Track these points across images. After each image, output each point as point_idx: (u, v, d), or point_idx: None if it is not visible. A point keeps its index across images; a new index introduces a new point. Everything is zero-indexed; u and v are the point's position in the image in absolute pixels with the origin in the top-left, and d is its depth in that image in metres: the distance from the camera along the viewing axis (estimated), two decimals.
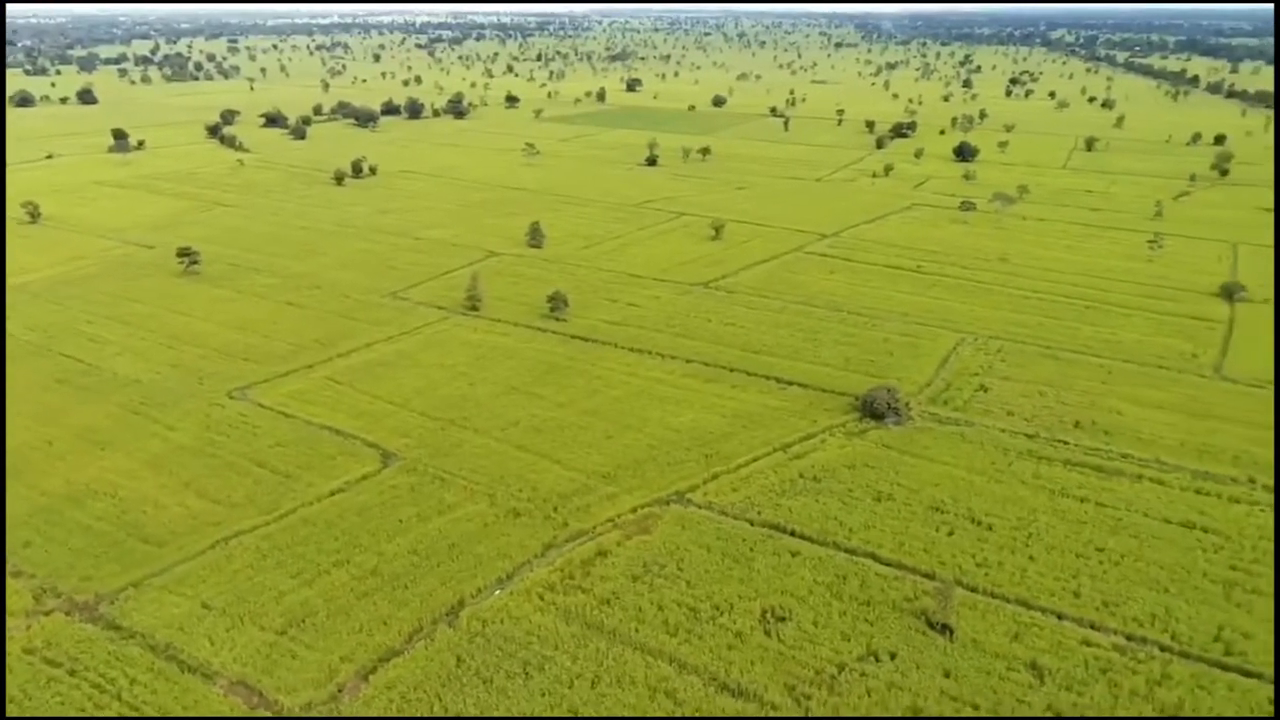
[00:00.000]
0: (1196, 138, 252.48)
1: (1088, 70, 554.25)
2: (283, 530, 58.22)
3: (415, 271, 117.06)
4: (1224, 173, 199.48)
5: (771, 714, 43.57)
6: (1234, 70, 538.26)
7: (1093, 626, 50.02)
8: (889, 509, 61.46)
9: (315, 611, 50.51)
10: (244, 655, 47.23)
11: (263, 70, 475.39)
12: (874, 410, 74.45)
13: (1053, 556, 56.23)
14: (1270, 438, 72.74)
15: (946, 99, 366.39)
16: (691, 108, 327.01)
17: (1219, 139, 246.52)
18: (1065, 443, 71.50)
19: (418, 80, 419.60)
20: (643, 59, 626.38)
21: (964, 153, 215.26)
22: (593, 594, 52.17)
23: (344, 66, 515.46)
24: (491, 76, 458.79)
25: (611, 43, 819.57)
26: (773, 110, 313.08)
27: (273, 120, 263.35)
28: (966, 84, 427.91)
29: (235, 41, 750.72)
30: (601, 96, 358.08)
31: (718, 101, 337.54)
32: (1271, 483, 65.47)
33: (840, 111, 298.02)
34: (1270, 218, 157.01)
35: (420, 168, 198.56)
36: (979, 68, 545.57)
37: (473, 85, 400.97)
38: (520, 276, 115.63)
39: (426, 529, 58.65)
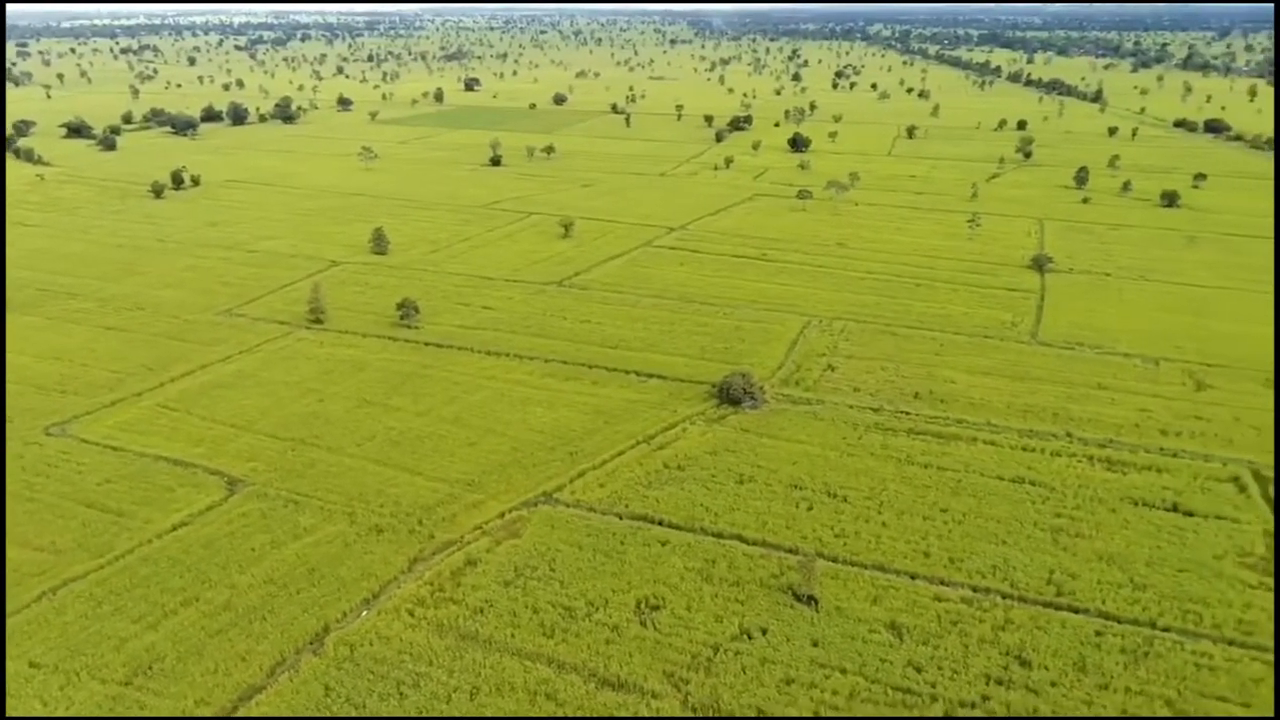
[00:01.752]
0: (1002, 123, 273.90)
1: (904, 63, 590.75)
2: (119, 573, 53.77)
3: (250, 286, 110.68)
4: (1028, 155, 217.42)
5: (651, 702, 44.09)
6: (1030, 61, 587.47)
7: (942, 583, 53.46)
8: (751, 490, 63.41)
9: (162, 656, 46.97)
10: (84, 713, 43.31)
11: (60, 76, 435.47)
12: (731, 396, 76.58)
13: (903, 521, 59.68)
14: (1083, 394, 80.00)
15: (778, 93, 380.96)
16: (533, 106, 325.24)
17: (1021, 124, 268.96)
18: (907, 413, 76.02)
19: (240, 84, 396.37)
20: (479, 58, 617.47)
21: (798, 144, 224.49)
22: (465, 604, 51.10)
23: (155, 71, 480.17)
24: (320, 79, 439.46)
25: (446, 42, 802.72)
26: (614, 107, 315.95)
27: (76, 130, 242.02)
28: (796, 78, 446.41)
29: (25, 46, 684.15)
30: (439, 97, 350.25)
31: (559, 99, 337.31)
32: (1088, 436, 72.05)
33: (679, 107, 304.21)
34: (1072, 194, 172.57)
35: (249, 176, 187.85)
36: (806, 62, 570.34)
37: (300, 88, 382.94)
38: (366, 285, 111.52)
39: (282, 556, 55.66)
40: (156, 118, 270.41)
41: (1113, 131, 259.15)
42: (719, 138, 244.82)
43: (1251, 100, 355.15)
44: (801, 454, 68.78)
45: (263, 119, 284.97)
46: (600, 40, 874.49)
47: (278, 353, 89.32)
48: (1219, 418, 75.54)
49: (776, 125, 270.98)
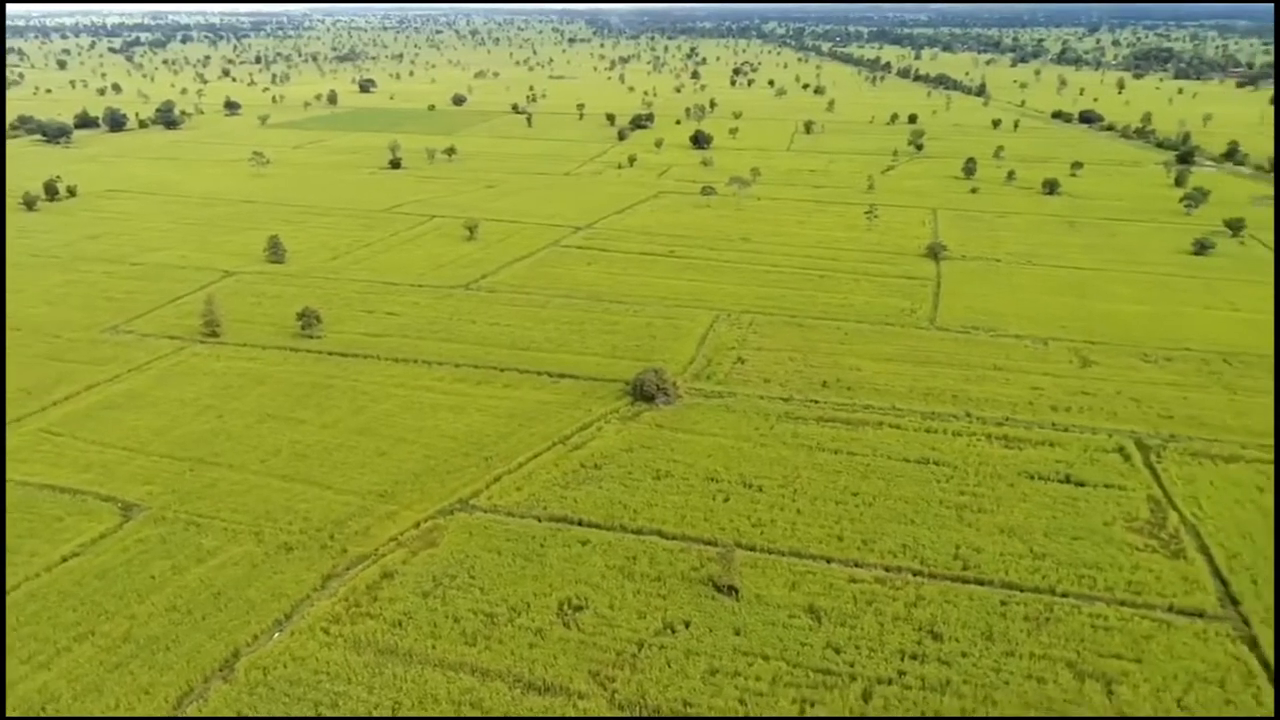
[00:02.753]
0: (894, 117, 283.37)
1: (799, 60, 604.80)
2: (4, 613, 50.32)
3: (138, 301, 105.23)
4: (919, 147, 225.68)
5: (578, 703, 43.96)
6: (918, 57, 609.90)
7: (856, 564, 55.01)
8: (669, 485, 63.88)
9: (56, 696, 44.24)
10: None
11: None
12: (645, 393, 76.96)
13: (817, 507, 61.14)
14: (979, 375, 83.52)
15: (678, 90, 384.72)
16: (431, 107, 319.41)
17: (912, 118, 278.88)
18: (816, 402, 77.91)
19: (116, 88, 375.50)
20: (374, 58, 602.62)
21: (700, 141, 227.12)
22: (383, 618, 49.85)
23: (21, 76, 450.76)
24: (205, 82, 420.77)
25: (338, 43, 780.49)
26: (515, 107, 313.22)
27: None
28: (695, 75, 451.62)
29: None
30: (333, 99, 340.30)
31: (458, 100, 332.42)
32: (986, 415, 75.29)
33: (581, 106, 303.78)
34: (961, 184, 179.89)
35: (131, 185, 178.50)
36: (705, 60, 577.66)
37: (184, 92, 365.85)
38: (263, 295, 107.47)
39: (185, 581, 53.16)
40: (24, 124, 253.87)
41: (996, 123, 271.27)
42: (622, 136, 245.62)
43: (1120, 92, 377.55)
44: (716, 447, 69.66)
45: (143, 125, 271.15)
46: (498, 40, 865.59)
47: (171, 370, 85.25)
48: (1103, 392, 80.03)
49: (678, 123, 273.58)
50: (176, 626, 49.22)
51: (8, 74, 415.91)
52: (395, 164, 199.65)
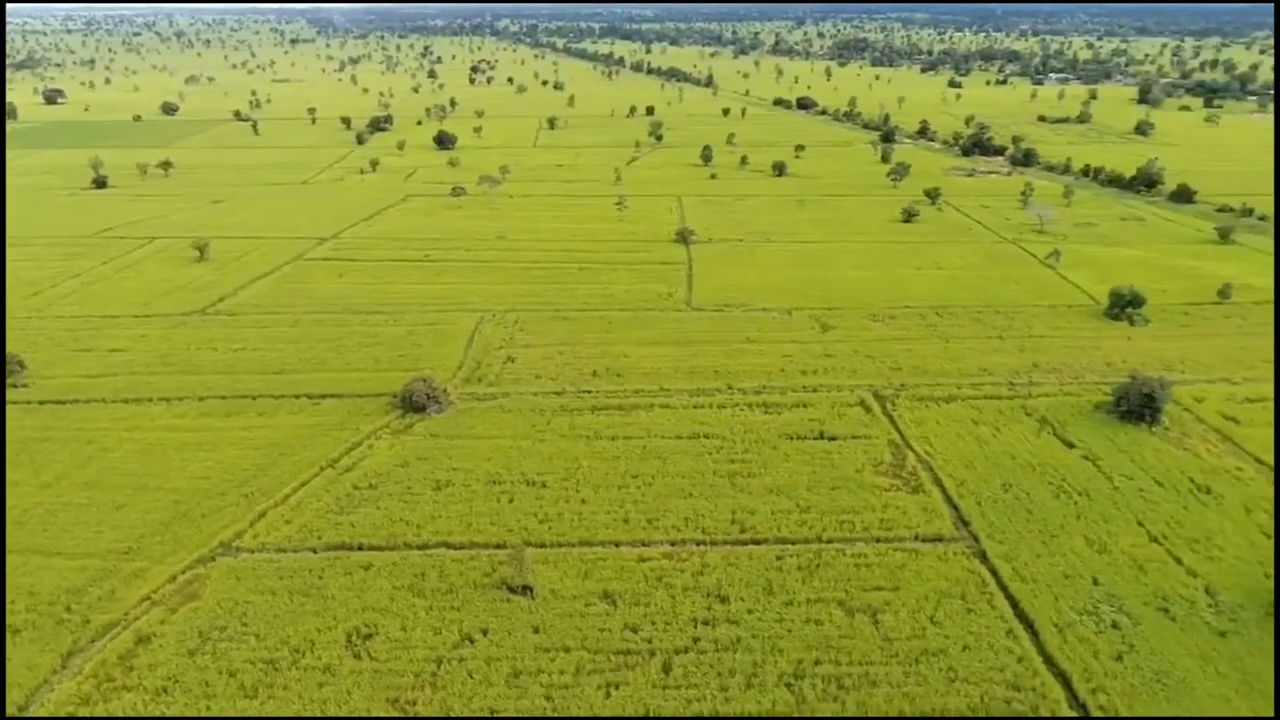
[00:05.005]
0: (633, 110, 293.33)
1: (536, 56, 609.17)
2: None
3: None
4: (659, 138, 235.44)
5: None
6: (648, 51, 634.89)
7: (643, 544, 56.78)
8: (451, 495, 62.37)
9: None
10: None
11: None
12: (415, 404, 74.48)
13: (600, 494, 62.31)
14: (736, 350, 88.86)
15: (416, 90, 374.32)
16: (137, 118, 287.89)
17: (650, 110, 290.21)
18: (589, 392, 79.27)
19: None
20: (59, 65, 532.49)
21: (444, 141, 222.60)
22: (143, 688, 44.67)
23: None
24: None
25: (11, 49, 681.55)
26: (237, 114, 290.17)
27: None
28: (432, 74, 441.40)
29: None
30: (13, 113, 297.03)
31: (169, 109, 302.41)
32: (745, 385, 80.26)
33: (312, 110, 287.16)
34: (701, 171, 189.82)
35: None
36: (440, 59, 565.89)
37: None
38: None
39: None
40: None
41: (726, 112, 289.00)
42: (361, 140, 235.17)
43: (828, 79, 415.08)
44: (495, 449, 68.93)
45: None
46: (209, 42, 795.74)
47: None
48: (842, 353, 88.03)
49: (419, 123, 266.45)
50: None
51: None
52: (100, 183, 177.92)
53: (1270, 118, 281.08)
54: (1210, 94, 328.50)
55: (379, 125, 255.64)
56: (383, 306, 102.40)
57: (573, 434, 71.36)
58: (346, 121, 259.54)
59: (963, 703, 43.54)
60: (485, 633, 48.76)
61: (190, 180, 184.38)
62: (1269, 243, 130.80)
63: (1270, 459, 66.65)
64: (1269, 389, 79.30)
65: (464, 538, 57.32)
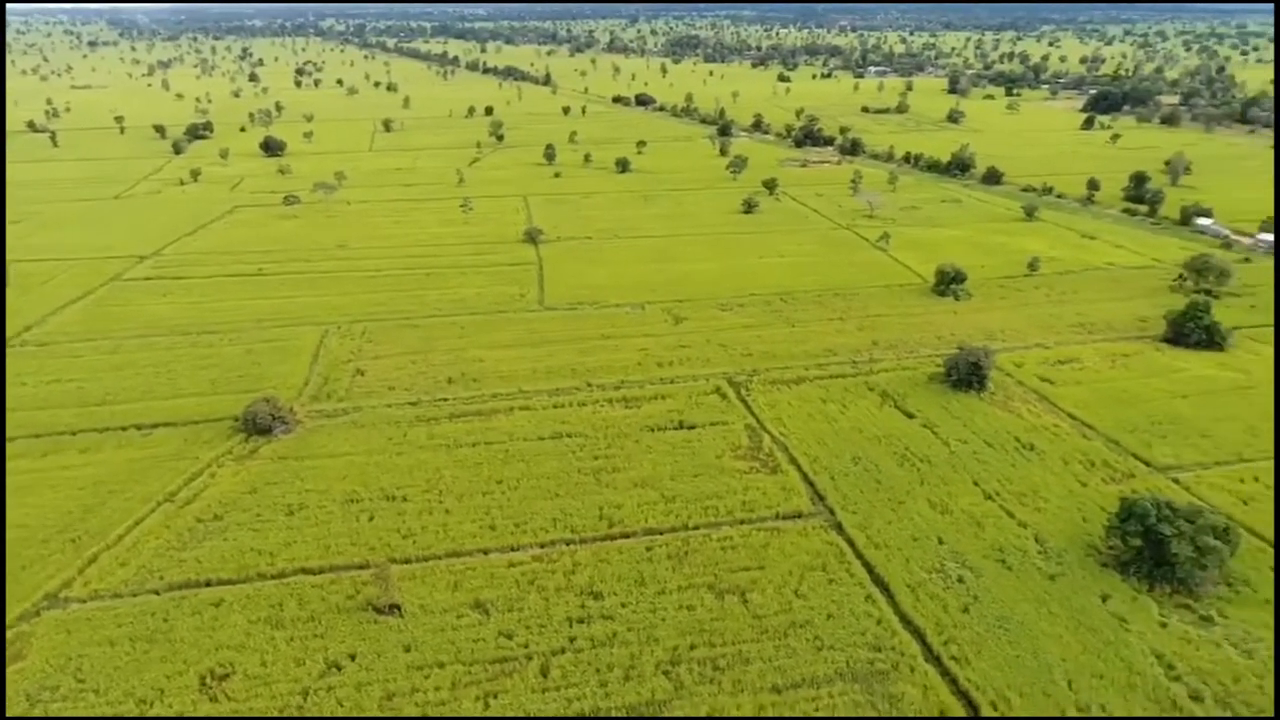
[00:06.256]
0: (472, 110, 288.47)
1: (365, 57, 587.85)
2: None
3: None
4: (500, 138, 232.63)
5: None
6: (484, 50, 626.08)
7: (513, 549, 56.11)
8: (305, 518, 59.47)
9: None
10: None
11: None
12: (259, 426, 70.46)
13: (465, 503, 61.08)
14: (593, 347, 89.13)
15: (237, 94, 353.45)
16: None
17: (489, 110, 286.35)
18: (446, 399, 77.48)
19: None
20: None
21: (272, 147, 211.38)
22: None
23: None
24: None
25: None
26: (31, 124, 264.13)
27: None
28: (254, 78, 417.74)
29: None
30: None
31: None
32: (604, 382, 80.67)
33: (120, 118, 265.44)
34: (545, 169, 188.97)
35: None
36: (261, 61, 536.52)
37: None
38: None
39: None
40: None
41: (566, 110, 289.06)
42: (178, 149, 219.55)
43: (664, 76, 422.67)
44: (350, 466, 66.23)
45: None
46: None
47: None
48: (696, 343, 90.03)
49: (243, 130, 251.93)
50: None
51: None
52: None
53: (1063, 104, 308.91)
54: (1010, 83, 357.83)
55: (198, 133, 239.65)
56: (216, 326, 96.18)
57: (431, 444, 69.56)
58: (160, 130, 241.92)
59: (830, 669, 45.62)
60: (353, 658, 46.86)
61: None
62: (1068, 218, 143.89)
63: (1083, 415, 73.45)
64: (1077, 350, 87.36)
65: (323, 561, 54.80)
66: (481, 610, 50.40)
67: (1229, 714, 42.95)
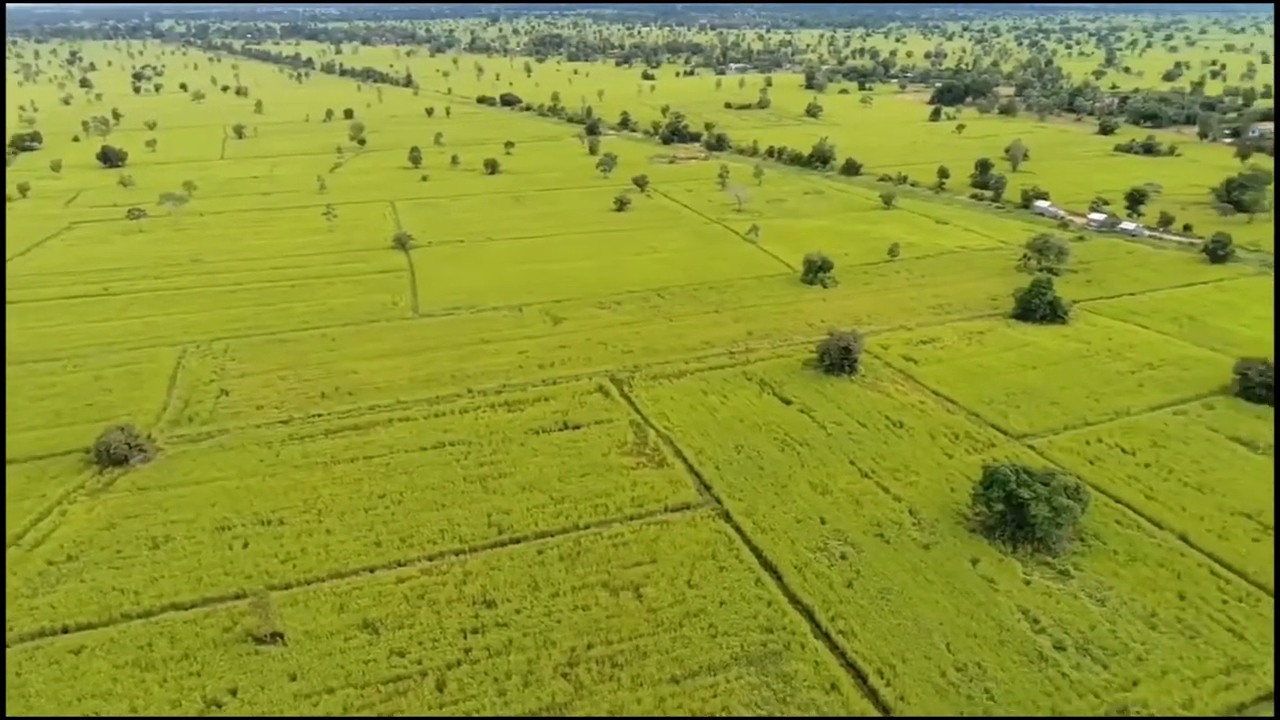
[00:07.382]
0: (330, 114, 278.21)
1: (211, 60, 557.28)
2: None
3: None
4: (362, 142, 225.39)
5: None
6: (339, 51, 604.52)
7: (400, 564, 54.53)
8: (172, 551, 55.90)
9: None
10: None
11: None
12: (114, 457, 65.73)
13: (346, 521, 58.90)
14: (471, 352, 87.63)
15: (67, 102, 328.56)
16: None
17: (348, 113, 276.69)
18: (320, 415, 74.45)
19: None
20: None
21: (110, 158, 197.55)
22: None
23: None
24: None
25: None
26: None
27: None
28: (85, 84, 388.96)
29: None
30: None
31: None
32: (485, 387, 79.39)
33: None
34: (412, 173, 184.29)
35: None
36: (93, 65, 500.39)
37: None
38: None
39: None
40: None
41: (430, 112, 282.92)
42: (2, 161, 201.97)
43: (529, 75, 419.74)
44: (218, 493, 62.70)
45: None
46: None
47: None
48: (576, 343, 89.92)
49: (76, 140, 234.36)
50: None
51: None
52: None
53: (912, 97, 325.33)
54: (862, 78, 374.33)
55: (24, 144, 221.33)
56: (57, 352, 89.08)
57: (307, 463, 66.72)
58: None
59: (726, 655, 46.54)
60: (234, 693, 44.46)
61: None
62: (923, 205, 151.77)
63: (946, 391, 77.70)
64: (937, 330, 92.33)
65: (194, 595, 51.69)
66: (370, 630, 48.76)
67: (1089, 660, 46.37)
